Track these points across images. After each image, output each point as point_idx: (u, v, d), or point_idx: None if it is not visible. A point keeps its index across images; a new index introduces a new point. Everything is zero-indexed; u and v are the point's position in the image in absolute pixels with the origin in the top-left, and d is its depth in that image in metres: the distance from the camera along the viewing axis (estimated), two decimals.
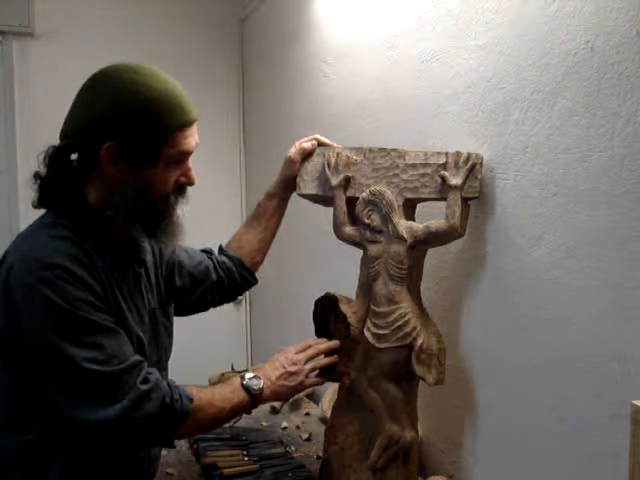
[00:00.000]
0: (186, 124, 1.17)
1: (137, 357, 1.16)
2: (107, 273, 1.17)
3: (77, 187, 1.19)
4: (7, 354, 1.13)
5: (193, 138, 1.19)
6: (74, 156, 1.18)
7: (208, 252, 1.58)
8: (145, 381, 1.13)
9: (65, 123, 1.18)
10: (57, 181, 1.18)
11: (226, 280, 1.54)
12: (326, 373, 1.41)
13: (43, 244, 1.12)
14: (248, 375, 1.27)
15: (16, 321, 1.09)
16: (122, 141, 1.12)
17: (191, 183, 1.23)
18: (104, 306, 1.14)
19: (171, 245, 1.29)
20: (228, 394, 1.24)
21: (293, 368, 1.32)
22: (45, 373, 1.10)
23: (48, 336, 1.08)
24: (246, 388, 1.25)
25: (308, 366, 1.34)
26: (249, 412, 1.29)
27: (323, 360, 1.38)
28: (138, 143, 1.13)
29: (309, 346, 1.37)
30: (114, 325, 1.15)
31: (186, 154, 1.19)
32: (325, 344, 1.39)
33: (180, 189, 1.22)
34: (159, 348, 1.33)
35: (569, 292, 1.16)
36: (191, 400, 1.17)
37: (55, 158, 1.18)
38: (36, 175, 1.20)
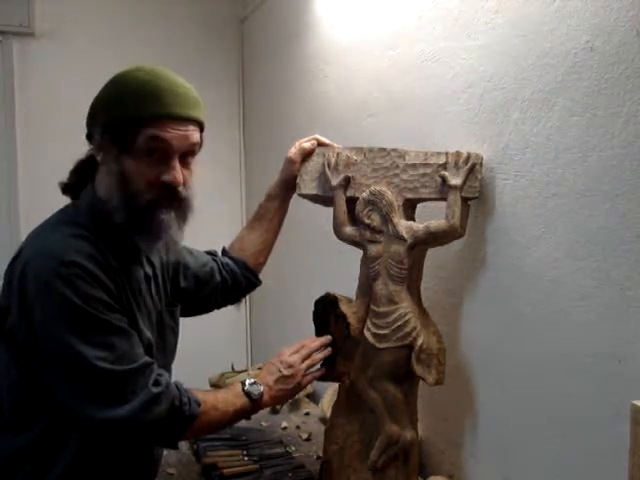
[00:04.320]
0: (162, 115, 1.14)
1: (147, 358, 1.16)
2: (120, 274, 1.18)
3: (88, 179, 1.23)
4: (16, 349, 1.14)
5: (175, 133, 1.15)
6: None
7: (212, 254, 1.58)
8: (156, 383, 1.14)
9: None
10: (75, 171, 1.25)
11: (230, 282, 1.55)
12: (328, 371, 1.42)
13: (60, 241, 1.13)
14: (249, 381, 1.28)
15: (30, 316, 1.10)
16: (105, 127, 1.16)
17: (176, 183, 1.17)
18: (118, 306, 1.15)
19: (149, 249, 1.26)
20: (231, 399, 1.25)
21: (289, 371, 1.33)
22: (56, 370, 1.11)
23: (61, 333, 1.08)
24: (247, 394, 1.26)
25: (303, 365, 1.35)
26: (249, 417, 1.30)
27: (317, 356, 1.39)
28: (116, 128, 1.15)
29: (303, 346, 1.38)
30: (127, 326, 1.15)
31: (162, 146, 1.15)
32: (317, 342, 1.40)
33: (168, 192, 1.17)
34: (165, 350, 1.34)
35: (569, 292, 1.16)
36: (199, 404, 1.18)
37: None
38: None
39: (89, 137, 1.22)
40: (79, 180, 1.25)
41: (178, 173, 1.17)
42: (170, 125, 1.15)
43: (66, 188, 1.27)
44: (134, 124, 1.13)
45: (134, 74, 1.17)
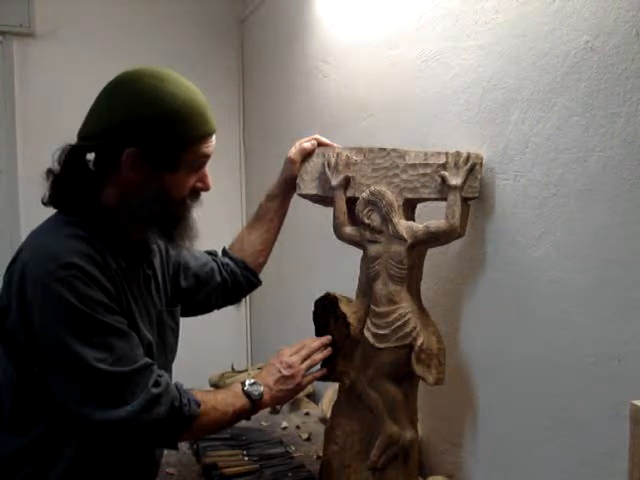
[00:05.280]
0: (208, 134, 1.19)
1: (147, 360, 1.16)
2: (119, 275, 1.18)
3: (92, 188, 1.19)
4: (15, 350, 1.14)
5: (213, 145, 1.21)
6: (90, 156, 1.19)
7: (212, 254, 1.58)
8: (156, 384, 1.14)
9: (85, 123, 1.18)
10: (71, 181, 1.19)
11: (230, 282, 1.55)
12: (328, 371, 1.42)
13: (60, 242, 1.12)
14: (248, 381, 1.28)
15: (29, 318, 1.10)
16: (144, 147, 1.13)
17: (207, 188, 1.25)
18: (117, 308, 1.15)
19: (187, 249, 1.32)
20: (230, 399, 1.25)
21: (289, 371, 1.32)
22: (56, 371, 1.11)
23: (61, 335, 1.08)
24: (247, 394, 1.26)
25: (304, 365, 1.35)
26: (249, 418, 1.30)
27: (317, 356, 1.39)
28: (160, 150, 1.14)
29: (303, 346, 1.38)
30: (126, 327, 1.15)
31: (206, 160, 1.22)
32: (317, 341, 1.40)
33: (195, 193, 1.24)
34: (165, 350, 1.33)
35: (569, 292, 1.16)
36: (198, 405, 1.18)
37: (71, 157, 1.18)
38: (49, 172, 1.20)
39: (93, 148, 1.17)
40: (67, 192, 1.20)
41: (210, 179, 1.24)
42: (210, 139, 1.20)
43: (52, 201, 1.21)
44: (182, 144, 1.15)
45: (168, 89, 1.14)
